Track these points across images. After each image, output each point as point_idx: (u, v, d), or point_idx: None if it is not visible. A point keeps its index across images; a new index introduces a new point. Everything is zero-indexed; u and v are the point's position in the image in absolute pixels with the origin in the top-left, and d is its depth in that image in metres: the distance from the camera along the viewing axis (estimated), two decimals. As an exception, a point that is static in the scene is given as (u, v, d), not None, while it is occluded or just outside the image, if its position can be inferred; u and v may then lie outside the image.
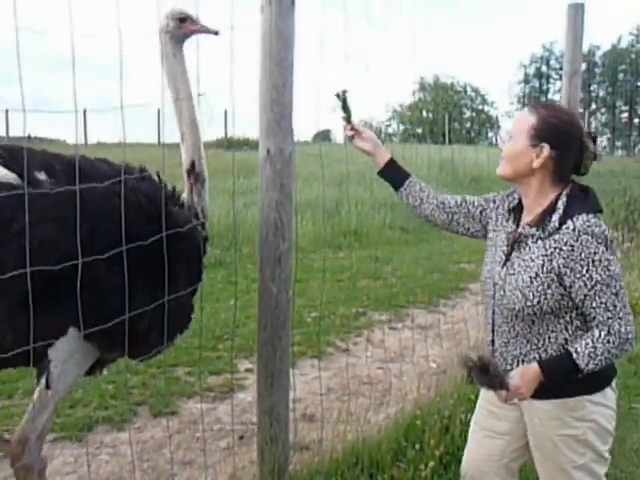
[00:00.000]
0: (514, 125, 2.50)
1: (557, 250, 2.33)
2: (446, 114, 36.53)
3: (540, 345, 2.45)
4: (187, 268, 2.96)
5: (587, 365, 2.31)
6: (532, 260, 2.40)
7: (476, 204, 2.74)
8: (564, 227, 2.34)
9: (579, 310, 2.38)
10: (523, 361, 2.49)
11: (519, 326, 2.48)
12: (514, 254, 2.49)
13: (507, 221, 2.59)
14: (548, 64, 64.67)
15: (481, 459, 2.75)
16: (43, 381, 2.68)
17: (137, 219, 2.70)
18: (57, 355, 2.65)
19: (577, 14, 5.63)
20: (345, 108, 2.81)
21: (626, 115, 67.05)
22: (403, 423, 4.28)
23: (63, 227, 2.51)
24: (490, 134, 52.43)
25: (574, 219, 2.33)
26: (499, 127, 52.29)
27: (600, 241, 2.30)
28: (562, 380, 2.40)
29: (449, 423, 4.26)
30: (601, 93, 67.53)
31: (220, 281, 8.37)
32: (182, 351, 5.68)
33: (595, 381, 2.45)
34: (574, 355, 2.31)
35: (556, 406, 2.45)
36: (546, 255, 2.36)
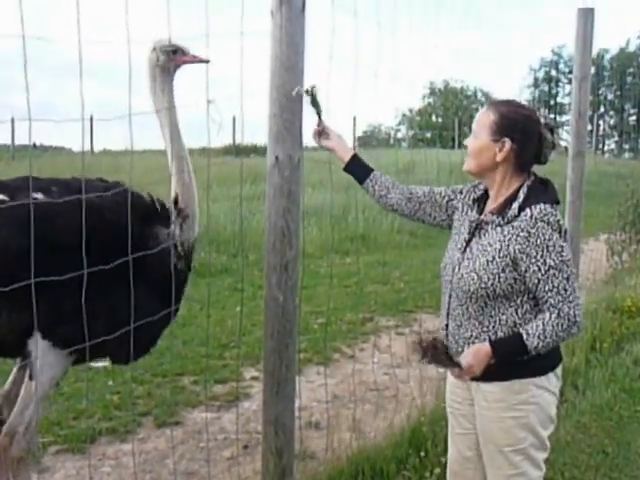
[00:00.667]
0: (476, 123, 2.63)
1: (514, 236, 2.46)
2: (456, 119, 36.40)
3: (491, 327, 2.55)
4: (148, 291, 2.92)
5: (536, 347, 2.43)
6: (490, 245, 2.52)
7: (443, 194, 2.84)
8: (522, 214, 2.47)
9: (530, 295, 2.50)
10: (474, 343, 2.56)
11: (472, 308, 2.57)
12: (474, 240, 2.61)
13: (471, 210, 2.71)
14: (557, 68, 64.49)
15: (459, 456, 2.84)
16: (27, 374, 2.77)
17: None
18: (36, 347, 2.70)
19: (587, 19, 5.60)
20: (315, 104, 2.90)
21: (634, 118, 66.79)
22: (408, 430, 4.25)
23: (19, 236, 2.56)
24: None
25: (532, 207, 2.46)
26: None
27: (555, 228, 2.44)
28: (510, 359, 2.49)
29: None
30: (609, 96, 67.34)
31: (226, 288, 8.34)
32: (188, 360, 5.65)
33: (541, 365, 2.56)
34: (524, 336, 2.43)
35: (502, 388, 2.54)
36: (503, 240, 2.48)
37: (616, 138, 66.61)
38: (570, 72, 68.80)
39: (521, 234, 2.45)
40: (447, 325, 2.70)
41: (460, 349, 2.60)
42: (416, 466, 3.80)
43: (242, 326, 6.51)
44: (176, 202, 3.11)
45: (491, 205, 2.64)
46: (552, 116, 65.83)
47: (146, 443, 4.36)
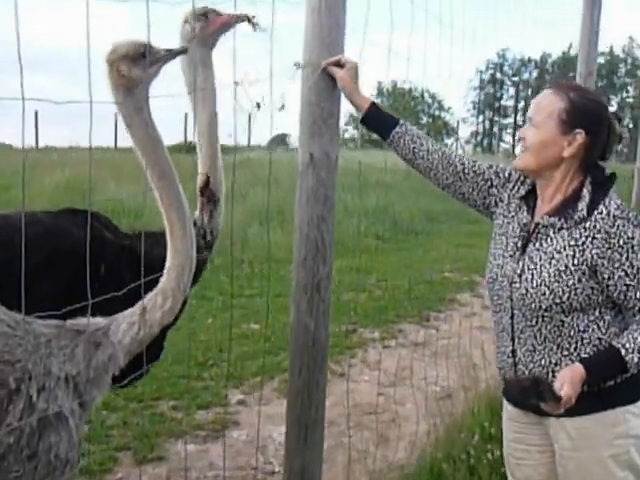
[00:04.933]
0: (537, 111, 2.22)
1: (589, 239, 2.11)
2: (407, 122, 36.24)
3: (572, 349, 2.19)
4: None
5: (637, 363, 2.08)
6: (558, 252, 2.15)
7: (486, 176, 2.44)
8: (596, 213, 2.12)
9: (609, 304, 2.17)
10: (554, 371, 2.19)
11: (546, 329, 2.20)
12: (531, 247, 2.23)
13: (519, 209, 2.33)
14: (502, 70, 65.20)
15: None
16: None
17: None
18: None
19: (593, 13, 5.29)
20: None
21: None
22: (426, 466, 3.81)
23: None
24: (447, 141, 52.59)
25: (606, 204, 2.13)
26: (456, 133, 52.59)
27: (636, 225, 2.11)
28: (604, 382, 2.15)
29: (475, 463, 3.80)
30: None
31: (193, 297, 7.70)
32: (164, 381, 5.03)
33: (635, 389, 2.21)
34: (622, 351, 2.07)
35: (593, 422, 2.18)
36: (576, 245, 2.13)
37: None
38: (514, 75, 70.50)
39: (598, 236, 2.09)
40: (514, 351, 2.29)
41: None
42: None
43: (219, 341, 5.96)
44: (206, 185, 2.80)
45: (545, 205, 2.26)
46: (496, 119, 66.94)
47: (126, 484, 3.78)
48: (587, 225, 2.12)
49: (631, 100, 61.02)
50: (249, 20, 2.60)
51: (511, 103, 65.97)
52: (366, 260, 10.31)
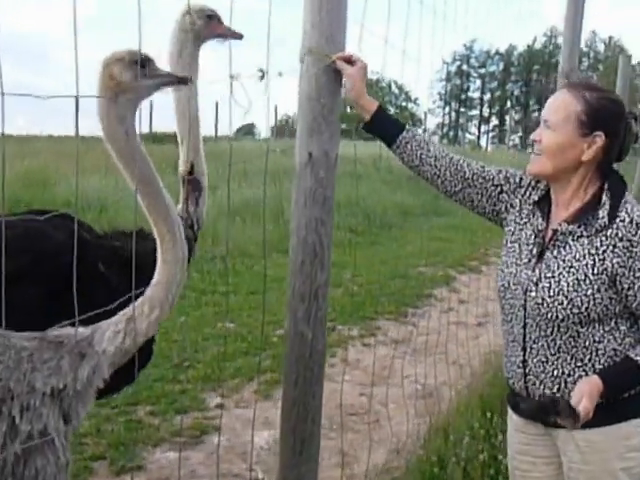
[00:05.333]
0: (553, 112, 2.12)
1: (610, 247, 2.02)
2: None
3: (587, 360, 2.11)
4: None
5: None
6: (577, 260, 2.07)
7: (496, 182, 2.33)
8: (618, 221, 2.03)
9: (625, 315, 2.10)
10: (566, 382, 2.13)
11: (561, 340, 2.12)
12: (548, 255, 2.14)
13: (533, 216, 2.23)
14: (468, 62, 65.66)
15: None
16: None
17: None
18: None
19: (577, 8, 5.20)
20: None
21: (537, 114, 69.09)
22: (416, 470, 3.70)
23: None
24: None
25: (628, 210, 2.04)
26: (423, 125, 52.98)
27: None
28: (619, 395, 2.08)
29: (467, 465, 3.71)
30: (515, 92, 69.28)
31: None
32: (139, 385, 4.83)
33: None
34: None
35: (605, 435, 2.10)
36: (597, 254, 2.04)
37: (520, 134, 68.68)
38: (480, 67, 71.47)
39: (619, 244, 2.00)
40: (525, 362, 2.20)
41: (548, 391, 2.15)
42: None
43: (193, 341, 5.78)
44: (191, 173, 2.83)
45: (562, 212, 2.17)
46: (462, 110, 67.52)
47: (104, 497, 3.61)
48: (608, 233, 2.04)
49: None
50: (241, 37, 2.77)
51: (477, 95, 66.62)
52: (339, 254, 10.21)
